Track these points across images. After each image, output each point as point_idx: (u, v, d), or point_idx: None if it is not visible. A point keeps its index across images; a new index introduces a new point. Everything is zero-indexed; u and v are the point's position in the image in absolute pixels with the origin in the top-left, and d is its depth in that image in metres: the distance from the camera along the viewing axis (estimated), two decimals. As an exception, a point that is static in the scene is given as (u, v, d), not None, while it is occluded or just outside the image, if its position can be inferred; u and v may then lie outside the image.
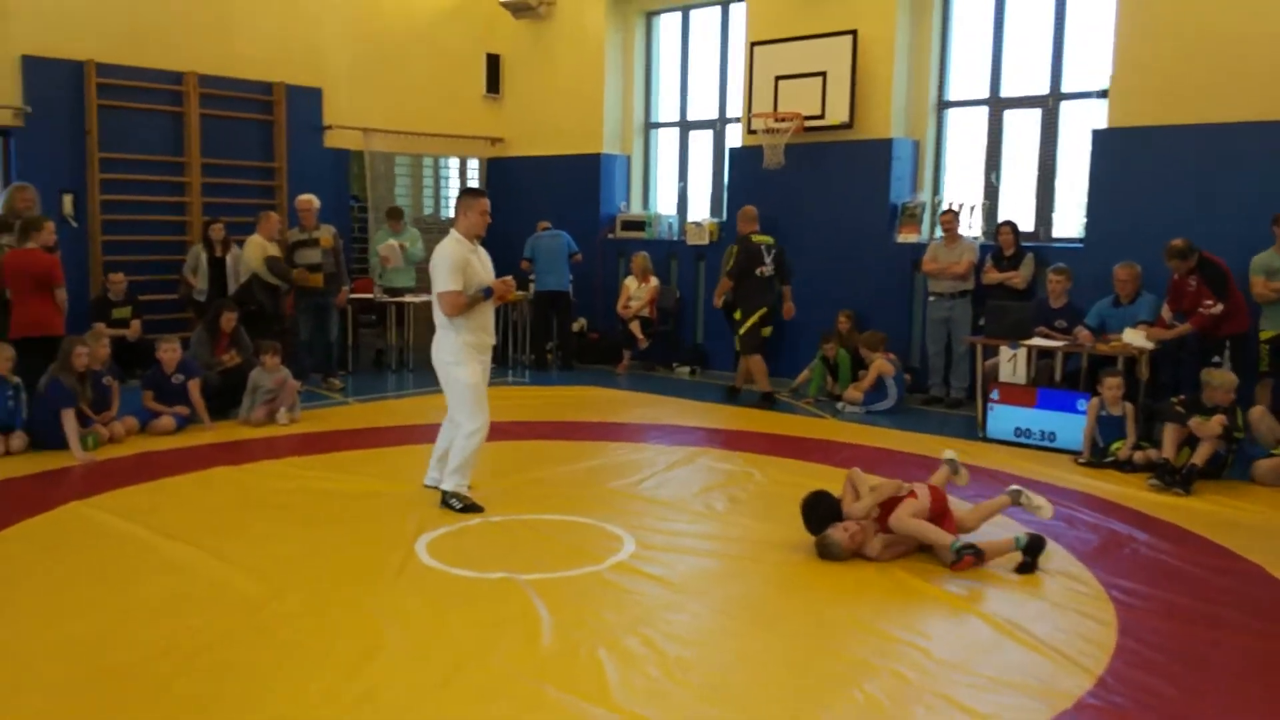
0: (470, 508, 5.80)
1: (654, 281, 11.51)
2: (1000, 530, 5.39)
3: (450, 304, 5.66)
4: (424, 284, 11.80)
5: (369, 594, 4.60)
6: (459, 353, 5.75)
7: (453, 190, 13.38)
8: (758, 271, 9.54)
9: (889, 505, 5.19)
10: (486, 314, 5.87)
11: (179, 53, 10.68)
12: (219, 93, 10.96)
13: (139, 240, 10.49)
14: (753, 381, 9.64)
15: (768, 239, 9.71)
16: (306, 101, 11.64)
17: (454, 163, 13.28)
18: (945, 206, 9.88)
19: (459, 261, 5.64)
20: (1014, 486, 5.49)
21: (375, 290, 11.20)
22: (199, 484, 6.48)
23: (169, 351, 7.93)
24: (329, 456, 7.20)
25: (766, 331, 9.69)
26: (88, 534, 5.43)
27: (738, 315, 9.63)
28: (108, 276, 9.87)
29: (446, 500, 5.86)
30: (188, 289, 10.06)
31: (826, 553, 5.10)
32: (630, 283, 11.56)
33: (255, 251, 9.54)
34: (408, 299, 11.27)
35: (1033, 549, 5.04)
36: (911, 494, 5.24)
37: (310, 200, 9.92)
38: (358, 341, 11.49)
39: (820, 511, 5.23)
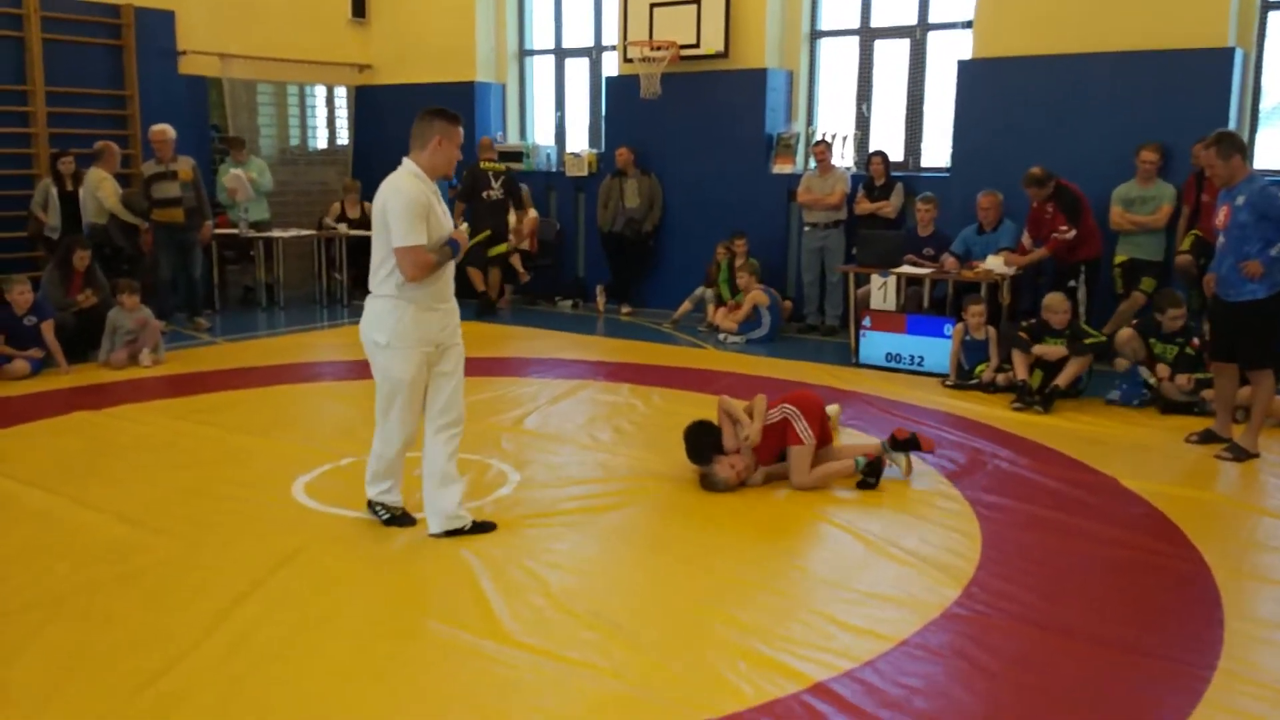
0: (403, 518, 4.61)
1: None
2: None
3: (416, 263, 4.13)
4: (285, 218, 11.50)
5: (242, 536, 4.50)
6: (398, 333, 4.25)
7: (319, 120, 12.90)
8: (484, 195, 10.43)
9: (775, 435, 5.28)
10: (447, 278, 4.39)
11: (15, -28, 9.95)
12: (62, 15, 10.25)
13: (-20, 174, 9.84)
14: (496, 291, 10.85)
15: (498, 166, 10.70)
16: (158, 25, 10.98)
17: (320, 91, 12.77)
18: (818, 137, 10.00)
19: (423, 206, 4.16)
20: (886, 443, 5.60)
21: (240, 226, 10.77)
22: (58, 429, 6.19)
23: (21, 294, 7.49)
24: (197, 399, 6.95)
25: (494, 250, 10.55)
26: (-63, 485, 5.15)
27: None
28: (-54, 214, 9.24)
29: (373, 509, 4.65)
30: (38, 225, 9.48)
31: (711, 487, 5.18)
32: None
33: (109, 189, 9.04)
34: (275, 234, 10.90)
35: (873, 471, 5.28)
36: (798, 439, 5.26)
37: (165, 130, 9.42)
38: (224, 279, 11.07)
39: (703, 441, 5.29)
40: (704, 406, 6.32)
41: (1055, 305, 7.07)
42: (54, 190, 9.34)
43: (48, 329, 7.57)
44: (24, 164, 10.16)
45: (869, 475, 5.28)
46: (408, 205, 4.13)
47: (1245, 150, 5.77)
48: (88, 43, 10.56)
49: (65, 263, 8.19)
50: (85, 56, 10.54)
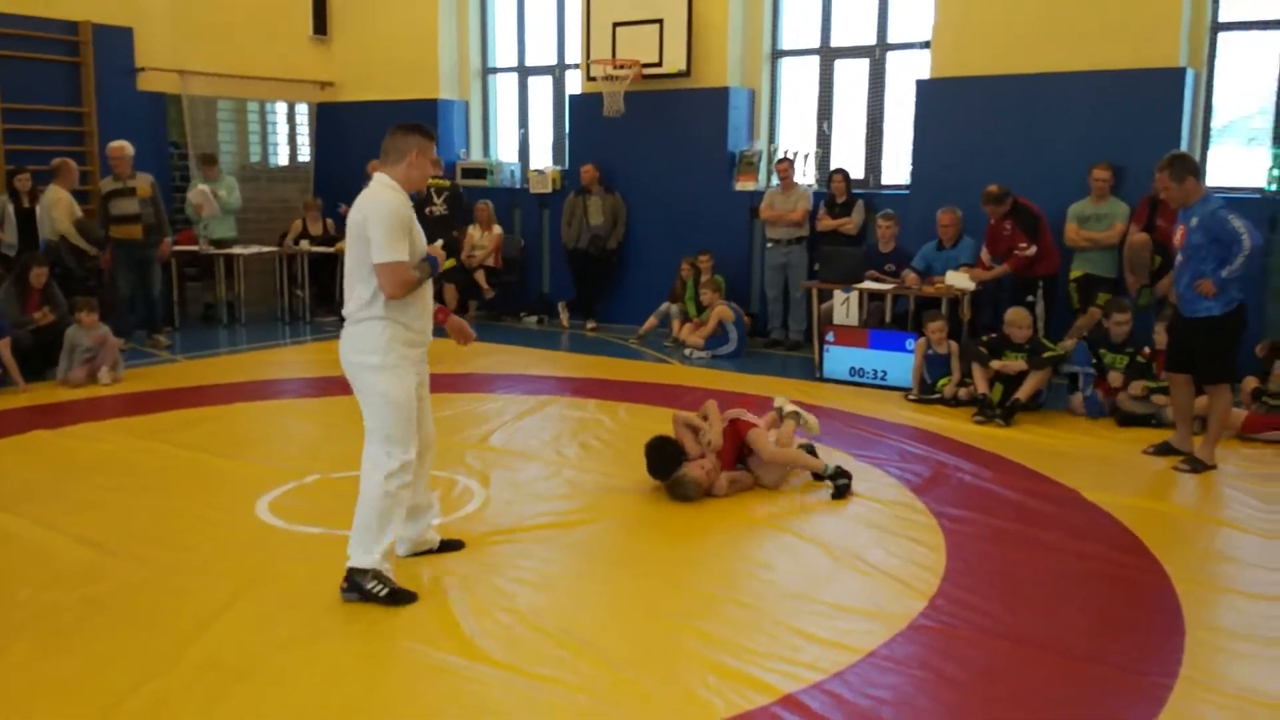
0: (397, 595, 3.97)
1: (497, 230, 11.36)
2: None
3: (397, 280, 3.89)
4: (246, 234, 11.40)
5: (208, 557, 4.45)
6: (386, 352, 4.00)
7: (280, 137, 12.83)
8: (426, 211, 10.38)
9: (731, 436, 5.37)
10: (426, 296, 4.19)
11: (-31, -13, 9.83)
12: (19, 32, 10.13)
13: (-67, 191, 9.67)
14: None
15: (443, 182, 10.76)
16: (117, 41, 10.89)
17: (281, 107, 12.71)
18: (780, 155, 10.09)
19: (405, 220, 3.94)
20: (788, 407, 5.84)
21: (201, 242, 10.68)
22: (15, 449, 6.09)
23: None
24: (157, 417, 6.86)
25: (444, 266, 10.27)
26: (-110, 508, 5.04)
27: None
28: (-100, 231, 9.07)
29: (360, 586, 3.97)
30: (-7, 243, 9.34)
31: (681, 492, 5.21)
32: (474, 231, 11.38)
33: (63, 211, 8.92)
34: (236, 250, 10.81)
35: (842, 473, 5.44)
36: (750, 424, 5.46)
37: (123, 147, 9.32)
38: (184, 296, 10.94)
39: (665, 455, 5.31)
40: (670, 422, 6.35)
41: (1018, 320, 7.17)
42: (10, 207, 9.20)
43: (4, 347, 7.46)
44: (-22, 181, 10.01)
45: (839, 477, 5.38)
46: (389, 219, 3.89)
47: (1198, 172, 5.90)
48: (45, 59, 10.44)
49: (22, 280, 8.06)
50: (42, 73, 10.43)
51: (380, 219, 3.88)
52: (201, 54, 11.57)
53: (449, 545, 4.53)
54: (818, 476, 5.46)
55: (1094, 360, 7.12)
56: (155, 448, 6.13)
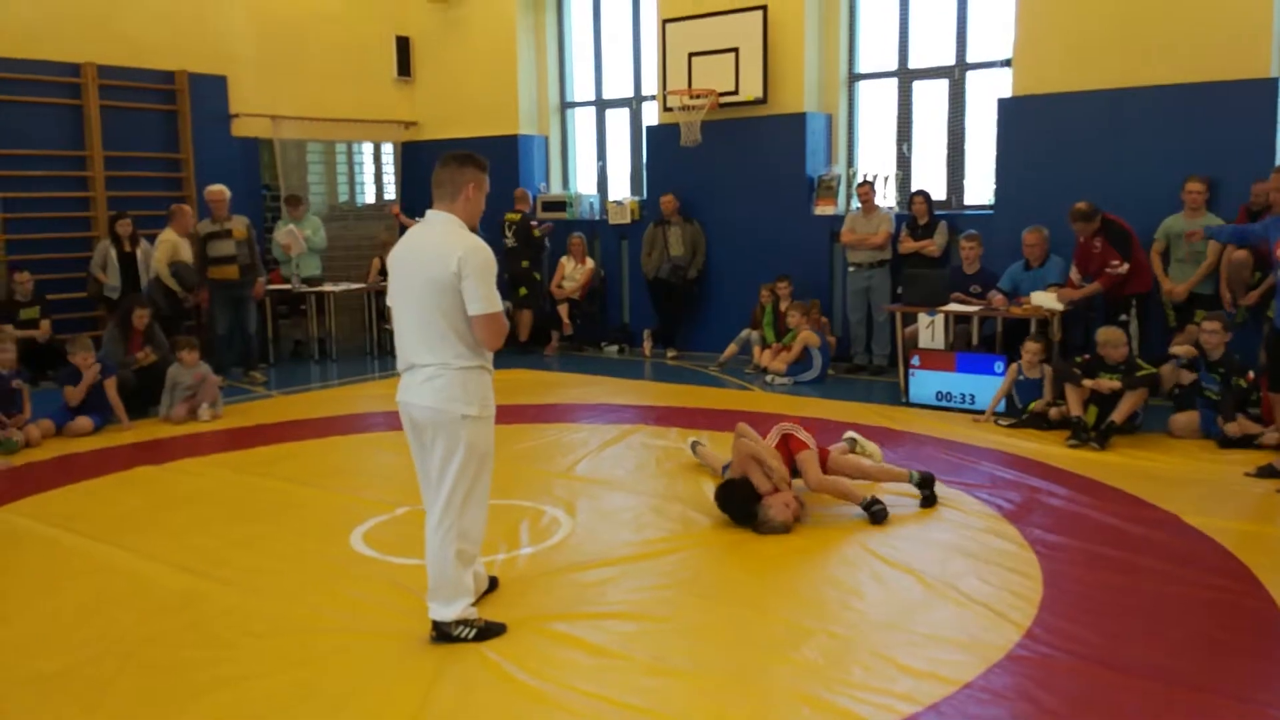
0: (485, 633, 3.95)
1: (590, 264, 11.51)
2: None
3: (499, 331, 3.80)
4: (335, 272, 11.70)
5: (303, 585, 4.56)
6: (485, 403, 3.86)
7: (367, 176, 13.18)
8: (504, 243, 11.08)
9: (783, 453, 5.44)
10: None
11: (74, 43, 10.30)
12: (119, 83, 10.61)
13: (44, 238, 10.14)
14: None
15: (514, 216, 11.35)
16: (211, 90, 11.33)
17: (368, 148, 13.07)
18: (860, 178, 10.03)
19: (494, 266, 3.82)
20: (849, 434, 5.97)
21: (293, 281, 11.01)
22: (121, 485, 6.32)
23: (84, 362, 7.64)
24: (254, 451, 7.07)
25: (519, 292, 11.30)
26: (9, 540, 5.28)
27: None
28: (12, 276, 9.51)
29: (447, 635, 3.91)
30: (97, 286, 9.75)
31: (769, 532, 5.15)
32: (566, 262, 11.53)
33: (163, 252, 9.28)
34: (326, 288, 11.12)
35: (926, 483, 5.57)
36: (803, 444, 5.50)
37: (221, 191, 9.69)
38: (277, 333, 11.28)
39: (740, 498, 5.25)
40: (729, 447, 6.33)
41: (1112, 339, 6.98)
42: (113, 251, 9.60)
43: (110, 386, 7.75)
44: (84, 226, 10.47)
45: (924, 486, 5.51)
46: (487, 266, 3.72)
47: None
48: (144, 108, 10.90)
49: (125, 322, 8.40)
50: (141, 121, 10.88)
51: (480, 268, 3.71)
52: (291, 99, 11.97)
53: (493, 581, 4.45)
54: (865, 506, 5.34)
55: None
56: (253, 481, 6.32)
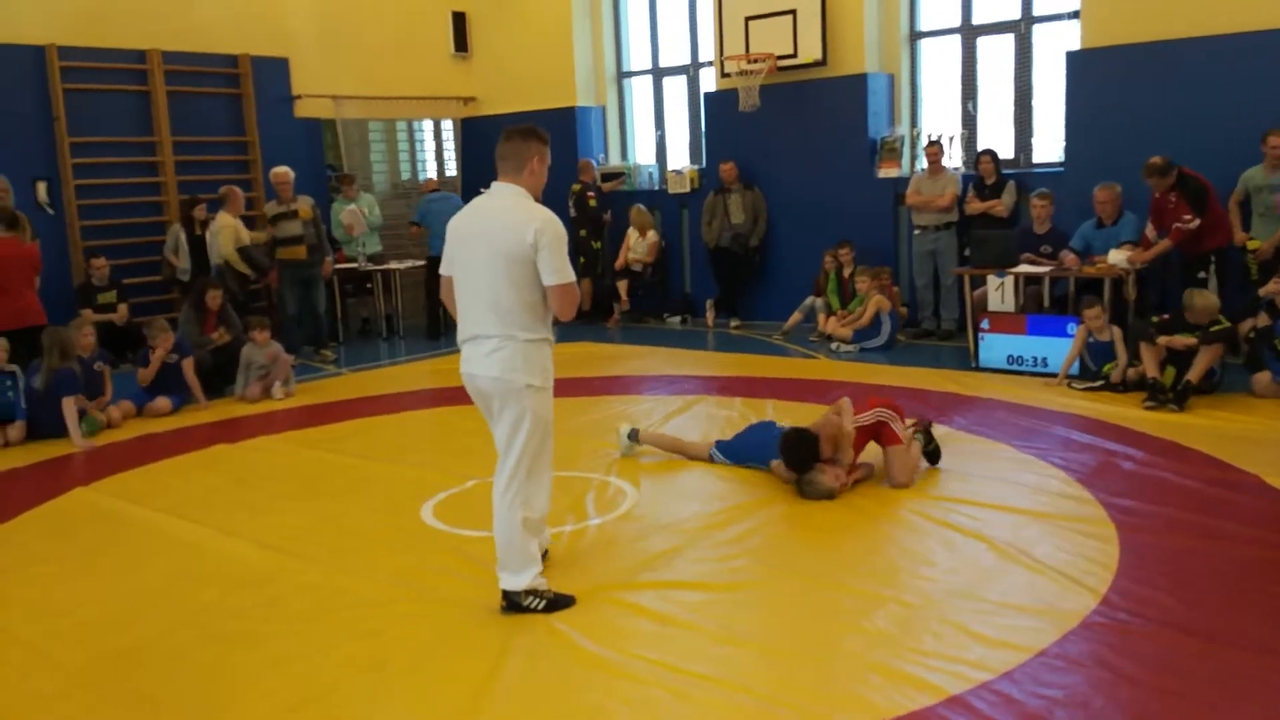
0: (555, 604, 3.99)
1: (653, 236, 11.45)
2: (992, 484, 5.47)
3: (573, 301, 3.89)
4: (400, 250, 11.79)
5: (377, 560, 4.64)
6: (548, 375, 3.94)
7: (429, 153, 13.27)
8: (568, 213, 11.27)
9: (866, 436, 5.35)
10: None
11: (140, 30, 10.50)
12: (184, 69, 10.81)
13: (117, 224, 10.39)
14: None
15: (576, 187, 11.42)
16: (274, 72, 11.48)
17: (428, 125, 13.15)
18: (927, 138, 9.83)
19: (565, 238, 3.89)
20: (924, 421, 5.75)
21: (359, 259, 11.14)
22: (199, 463, 6.49)
23: (162, 341, 7.84)
24: (327, 428, 7.20)
25: (579, 261, 11.20)
26: (93, 519, 5.45)
27: None
28: (89, 262, 9.78)
29: (517, 604, 3.96)
30: (170, 269, 9.99)
31: (809, 493, 5.16)
32: (631, 234, 11.51)
33: (227, 238, 9.44)
34: (392, 266, 11.24)
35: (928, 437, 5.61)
36: (896, 438, 5.35)
37: (286, 172, 9.83)
38: (345, 312, 11.45)
39: (801, 448, 5.23)
40: (816, 418, 6.28)
41: (1205, 306, 6.68)
42: (184, 235, 9.81)
43: (188, 366, 7.95)
44: (155, 211, 10.71)
45: (926, 443, 5.55)
46: (561, 238, 3.79)
47: None
48: (209, 93, 11.08)
49: (199, 303, 8.59)
50: (207, 106, 11.07)
51: (555, 239, 3.78)
52: (351, 79, 12.08)
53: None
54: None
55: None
56: (326, 457, 6.43)
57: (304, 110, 11.82)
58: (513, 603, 3.97)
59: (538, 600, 3.97)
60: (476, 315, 3.91)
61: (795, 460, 5.26)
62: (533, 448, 3.92)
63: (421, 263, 11.45)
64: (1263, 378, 6.78)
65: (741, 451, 5.78)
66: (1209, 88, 8.09)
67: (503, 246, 3.80)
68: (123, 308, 9.77)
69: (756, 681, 3.38)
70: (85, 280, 9.80)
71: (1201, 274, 7.62)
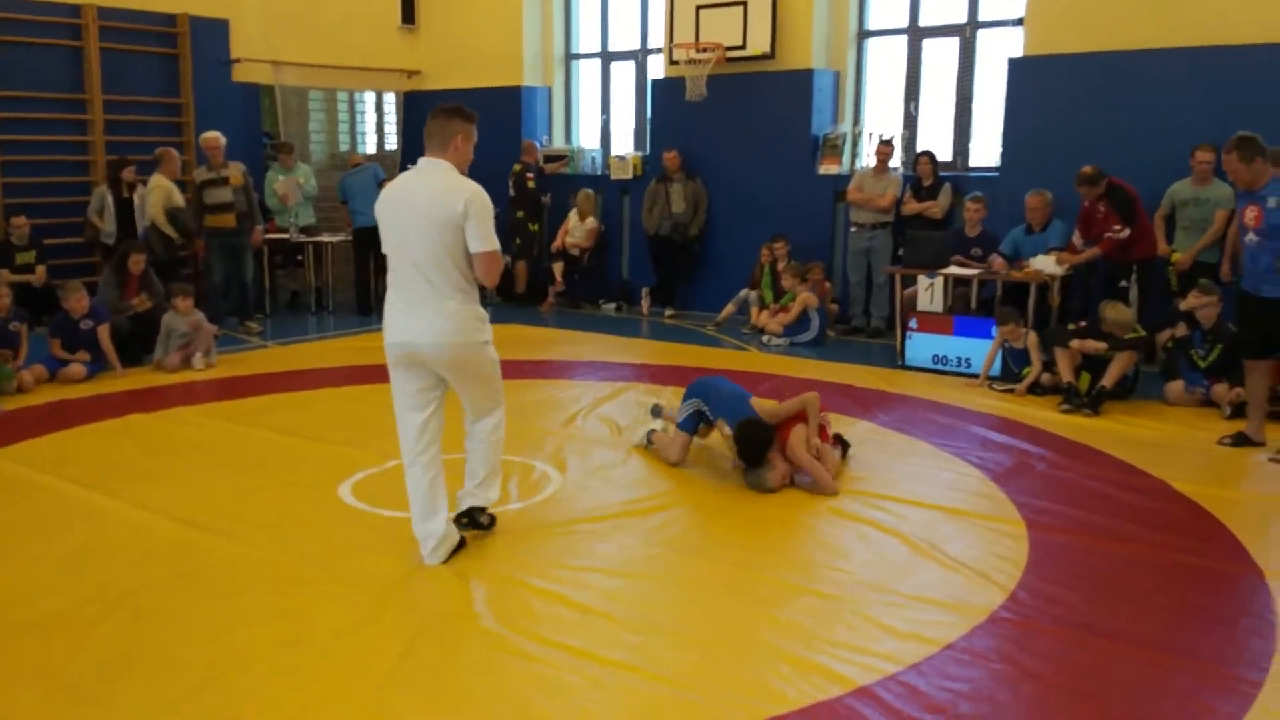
0: (493, 517, 4.60)
1: (591, 222, 11.38)
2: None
3: (498, 268, 4.15)
4: (330, 223, 11.59)
5: (293, 537, 4.57)
6: (489, 328, 4.29)
7: (369, 125, 13.06)
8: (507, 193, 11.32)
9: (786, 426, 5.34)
10: None
11: (74, -16, 10.19)
12: (119, 25, 10.49)
13: (40, 182, 10.07)
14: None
15: (517, 168, 11.36)
16: (212, 33, 11.20)
17: (369, 97, 12.94)
18: (879, 138, 9.80)
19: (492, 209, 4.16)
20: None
21: (290, 231, 10.93)
22: (113, 432, 6.32)
23: (77, 300, 7.65)
24: (248, 401, 7.06)
25: (514, 242, 11.39)
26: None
27: None
28: (9, 220, 9.47)
29: (477, 521, 4.50)
30: (94, 231, 9.71)
31: (753, 483, 5.19)
32: (572, 217, 11.44)
33: (157, 198, 9.20)
34: (325, 238, 11.05)
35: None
36: (804, 418, 5.38)
37: (216, 138, 9.61)
38: (274, 283, 11.24)
39: (761, 440, 5.19)
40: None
41: (1110, 318, 6.86)
42: (109, 197, 9.54)
43: (103, 332, 7.74)
44: (81, 171, 10.40)
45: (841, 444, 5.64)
46: (489, 209, 4.06)
47: (1265, 152, 5.73)
48: (144, 51, 10.78)
49: (121, 267, 8.36)
50: (141, 65, 10.77)
51: (483, 209, 4.03)
52: (293, 45, 11.82)
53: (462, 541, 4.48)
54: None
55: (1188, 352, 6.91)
56: (246, 431, 6.31)
57: (242, 75, 11.55)
58: (473, 520, 4.45)
59: (488, 517, 4.52)
60: (418, 286, 4.09)
61: (750, 455, 5.22)
62: (498, 389, 4.40)
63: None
64: (1175, 386, 6.98)
65: (714, 397, 5.57)
66: (1144, 101, 8.27)
67: (437, 216, 4.00)
68: (41, 269, 9.48)
69: (671, 669, 3.39)
70: (4, 239, 9.49)
71: (1124, 283, 7.80)
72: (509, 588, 4.02)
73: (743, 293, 10.04)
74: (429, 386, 4.24)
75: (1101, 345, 6.81)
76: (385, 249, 4.18)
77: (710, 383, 5.71)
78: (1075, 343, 6.89)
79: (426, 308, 4.07)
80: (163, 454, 5.86)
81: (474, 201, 4.00)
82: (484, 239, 4.02)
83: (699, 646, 3.56)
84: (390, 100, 12.97)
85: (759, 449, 5.19)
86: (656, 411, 5.84)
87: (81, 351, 7.65)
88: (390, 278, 4.21)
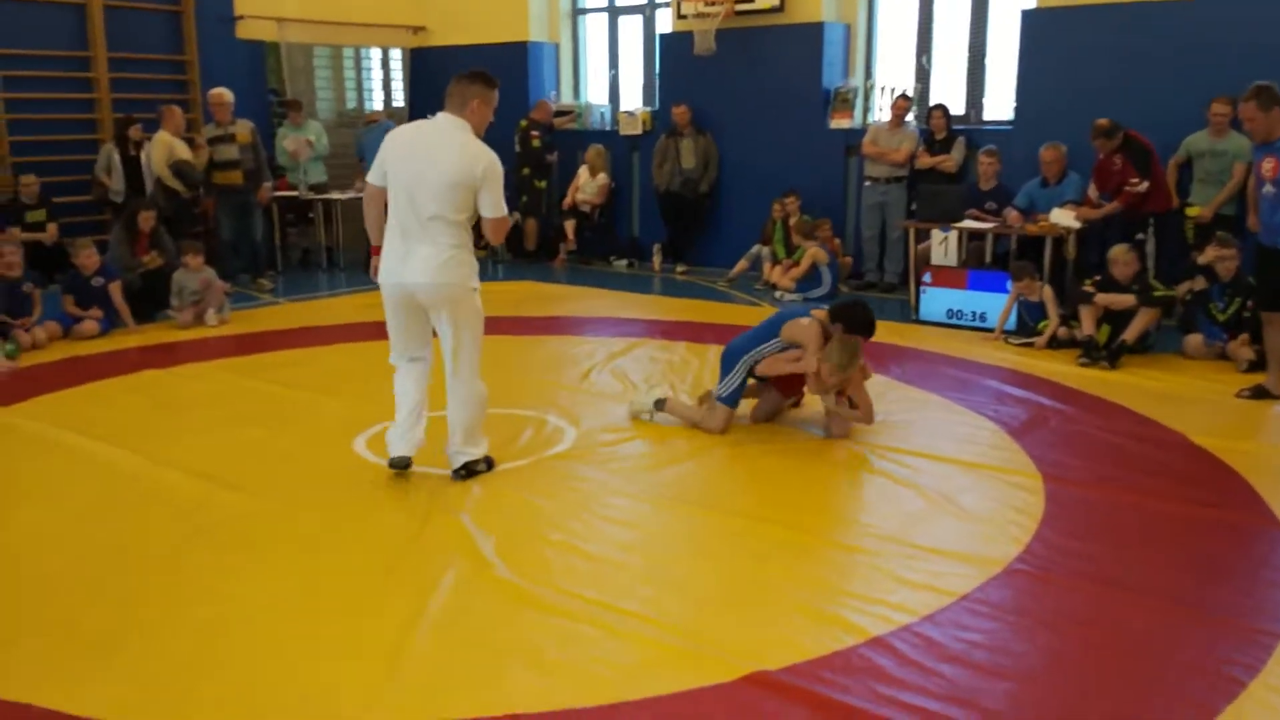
0: (490, 460, 4.76)
1: (603, 178, 11.28)
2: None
3: (506, 231, 4.51)
4: (339, 181, 11.53)
5: (306, 491, 4.58)
6: (477, 278, 4.46)
7: (375, 82, 12.95)
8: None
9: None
10: None
11: (76, -61, 10.07)
12: (123, -19, 10.40)
13: (48, 140, 10.02)
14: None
15: (523, 123, 11.26)
16: (216, -11, 11.09)
17: (375, 53, 12.82)
18: (901, 93, 9.64)
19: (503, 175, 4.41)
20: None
21: (300, 188, 10.88)
22: (127, 388, 6.33)
23: (87, 256, 7.66)
24: (261, 357, 7.07)
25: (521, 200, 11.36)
26: (15, 442, 5.30)
27: None
28: (18, 179, 9.42)
29: (473, 470, 4.64)
30: (102, 190, 9.67)
31: (845, 364, 5.10)
32: (583, 173, 11.36)
33: (160, 153, 9.15)
34: (334, 196, 11.00)
35: None
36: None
37: (223, 94, 9.54)
38: (286, 241, 11.20)
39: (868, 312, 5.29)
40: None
41: (1120, 257, 6.89)
42: (116, 155, 9.50)
43: (115, 290, 7.74)
44: (89, 129, 10.34)
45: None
46: (501, 176, 4.32)
47: None
48: (148, 8, 10.67)
49: (131, 225, 8.33)
50: (145, 22, 10.67)
51: (497, 177, 4.30)
52: (297, 1, 11.69)
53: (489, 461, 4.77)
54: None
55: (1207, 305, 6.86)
56: (259, 386, 6.32)
57: (246, 31, 11.43)
58: (470, 470, 4.59)
59: (484, 464, 4.67)
60: (416, 228, 4.29)
61: (864, 323, 5.21)
62: (476, 338, 4.46)
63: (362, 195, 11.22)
64: (1194, 339, 6.93)
65: (752, 339, 5.38)
66: (1159, 52, 8.13)
67: (452, 172, 4.22)
68: (52, 227, 9.45)
69: (686, 620, 3.39)
70: (14, 197, 9.46)
71: (1140, 236, 7.72)
72: (523, 538, 4.02)
73: (755, 248, 9.98)
74: (421, 329, 4.54)
75: (1128, 300, 6.75)
76: (389, 187, 4.34)
77: (737, 341, 5.51)
78: (1102, 297, 6.84)
79: (423, 251, 4.29)
80: (177, 409, 5.87)
81: (491, 168, 4.26)
82: (495, 205, 4.31)
83: (712, 598, 3.57)
84: (396, 56, 12.85)
85: (870, 317, 5.24)
86: (660, 405, 5.66)
87: (94, 308, 7.66)
88: (391, 221, 4.38)
